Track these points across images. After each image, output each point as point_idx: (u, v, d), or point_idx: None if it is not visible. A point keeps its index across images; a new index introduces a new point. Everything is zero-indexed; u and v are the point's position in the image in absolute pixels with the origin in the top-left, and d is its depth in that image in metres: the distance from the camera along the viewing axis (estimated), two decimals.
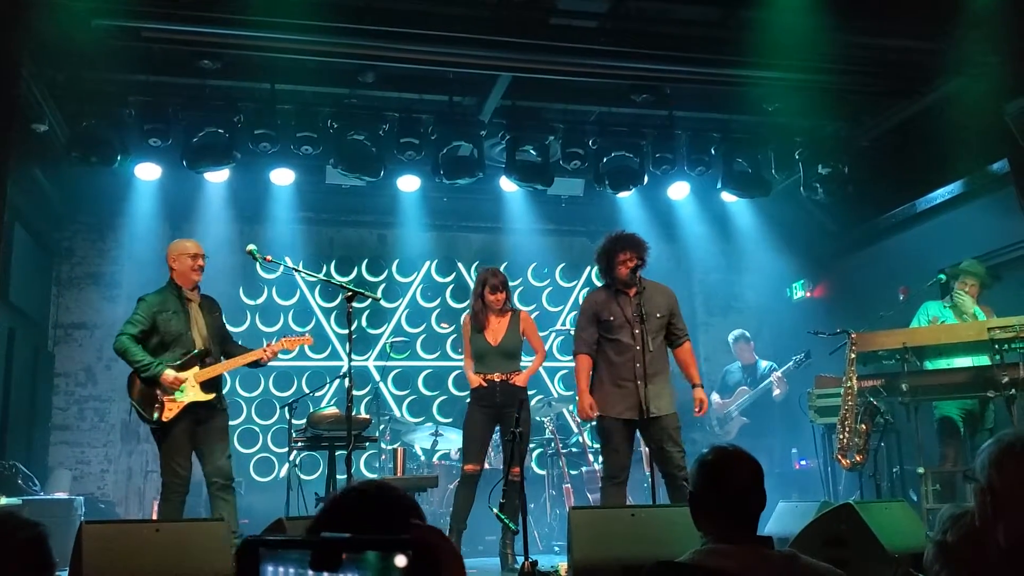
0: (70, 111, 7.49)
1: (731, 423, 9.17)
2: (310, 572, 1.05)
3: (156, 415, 5.72)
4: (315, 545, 1.05)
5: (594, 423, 8.88)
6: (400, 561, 0.99)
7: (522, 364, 6.81)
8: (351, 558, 1.02)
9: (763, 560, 2.39)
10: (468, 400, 6.85)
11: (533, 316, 10.66)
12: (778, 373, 9.01)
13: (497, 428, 6.77)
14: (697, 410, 5.94)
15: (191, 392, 5.78)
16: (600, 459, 8.77)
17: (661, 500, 5.79)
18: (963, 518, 1.92)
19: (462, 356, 7.02)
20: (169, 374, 5.72)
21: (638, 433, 6.03)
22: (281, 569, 1.07)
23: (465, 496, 6.58)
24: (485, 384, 6.64)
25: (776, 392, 9.00)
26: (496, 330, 6.74)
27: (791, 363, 8.97)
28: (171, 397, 5.73)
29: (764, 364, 9.29)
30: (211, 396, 5.83)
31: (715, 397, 9.49)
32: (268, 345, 6.06)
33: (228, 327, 6.42)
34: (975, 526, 1.86)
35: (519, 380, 6.67)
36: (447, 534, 6.54)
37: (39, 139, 7.45)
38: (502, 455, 6.83)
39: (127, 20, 6.51)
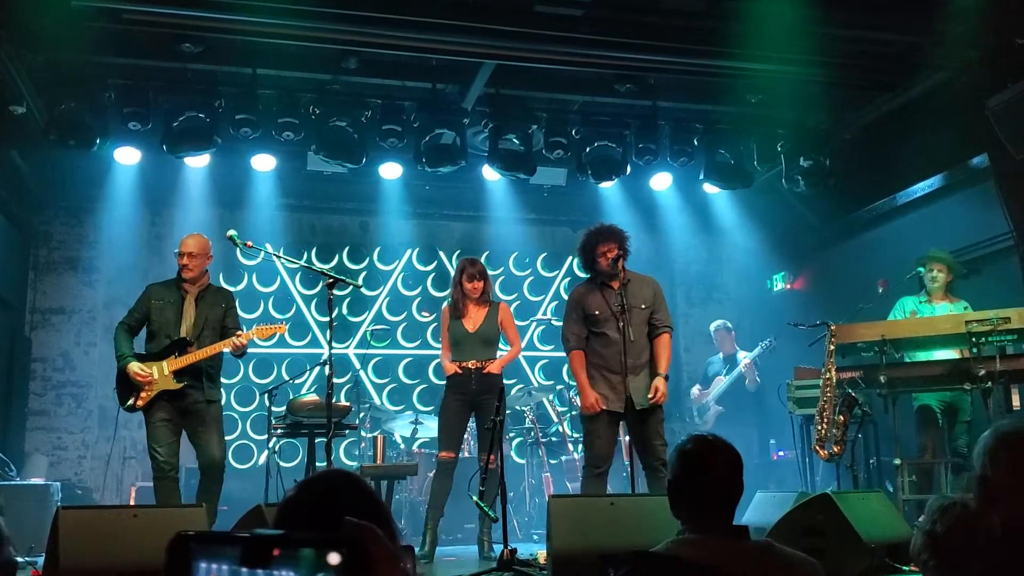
0: (49, 93, 7.39)
1: (708, 412, 9.24)
2: (243, 568, 1.04)
3: (130, 401, 5.95)
4: (247, 541, 1.04)
5: (575, 413, 8.89)
6: (333, 559, 0.99)
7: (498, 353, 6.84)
8: (284, 555, 1.01)
9: (738, 551, 2.41)
10: (444, 388, 6.85)
11: (513, 306, 10.82)
12: (747, 360, 9.06)
13: (473, 416, 6.76)
14: (651, 395, 5.84)
15: (161, 381, 5.94)
16: (580, 448, 8.85)
17: (640, 490, 5.80)
18: (952, 508, 1.94)
19: (443, 345, 7.00)
20: (132, 367, 5.92)
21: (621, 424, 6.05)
22: (214, 565, 1.06)
23: (442, 484, 6.60)
24: (460, 371, 6.65)
25: (747, 380, 9.06)
26: (475, 318, 6.77)
27: (758, 349, 9.04)
28: (142, 387, 5.92)
29: (743, 354, 9.34)
30: (179, 385, 5.93)
31: (696, 389, 9.54)
32: (240, 334, 6.06)
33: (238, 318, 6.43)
34: (964, 516, 1.89)
35: (493, 368, 6.69)
36: (425, 523, 6.55)
37: (17, 121, 7.36)
38: (478, 444, 6.83)
39: (107, 2, 6.44)
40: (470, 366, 6.65)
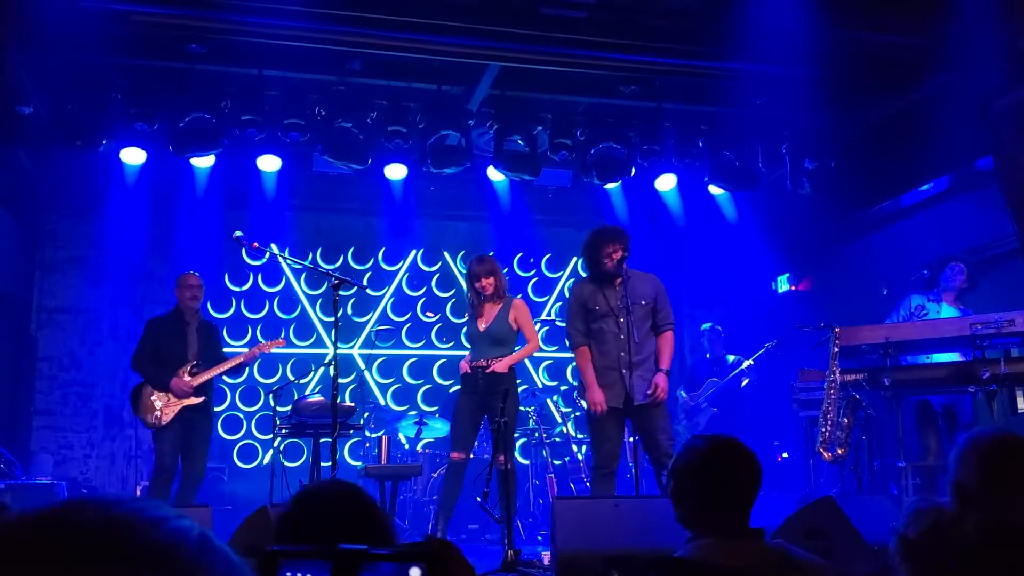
0: (56, 94, 7.42)
1: (700, 415, 9.20)
2: None
3: (156, 415, 6.67)
4: (335, 557, 1.08)
5: (579, 413, 8.89)
6: (415, 573, 1.03)
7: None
8: (368, 569, 1.05)
9: (759, 554, 2.36)
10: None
11: None
12: (749, 361, 9.06)
13: (485, 417, 6.75)
14: (650, 391, 5.84)
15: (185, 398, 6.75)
16: (584, 449, 8.86)
17: (644, 491, 5.82)
18: (927, 513, 1.93)
19: (447, 344, 7.03)
20: (178, 381, 6.73)
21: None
22: None
23: (451, 484, 6.56)
24: (470, 371, 6.64)
25: (744, 381, 9.05)
26: (487, 316, 6.73)
27: (762, 350, 9.03)
28: (168, 403, 6.67)
29: (732, 357, 9.34)
30: (201, 399, 6.76)
31: (682, 392, 9.49)
32: (251, 349, 7.13)
33: (216, 315, 7.31)
34: (938, 520, 1.89)
35: (498, 367, 6.53)
36: (434, 521, 6.56)
37: (23, 121, 7.38)
38: (490, 444, 6.82)
39: (115, 3, 6.47)
40: (480, 364, 6.65)
